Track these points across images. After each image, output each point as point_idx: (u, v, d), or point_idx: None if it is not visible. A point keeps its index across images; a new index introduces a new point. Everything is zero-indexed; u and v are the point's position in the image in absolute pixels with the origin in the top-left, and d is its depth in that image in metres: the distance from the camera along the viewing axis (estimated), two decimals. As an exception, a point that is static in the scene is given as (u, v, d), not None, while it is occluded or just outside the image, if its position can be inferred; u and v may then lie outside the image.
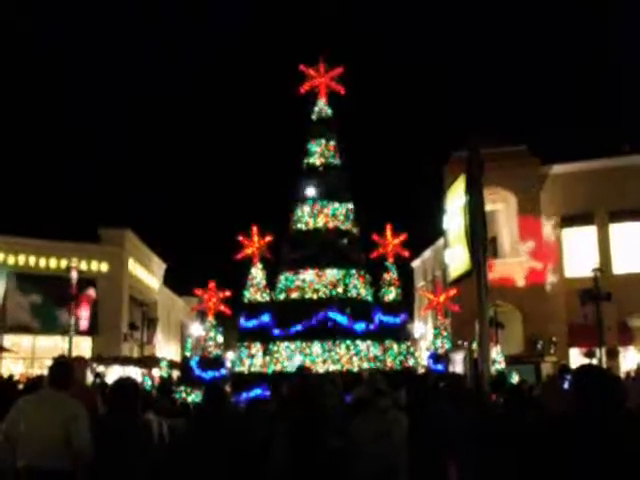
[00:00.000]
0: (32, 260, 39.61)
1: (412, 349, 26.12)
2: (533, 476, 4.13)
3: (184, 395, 20.75)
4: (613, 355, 29.59)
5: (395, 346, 24.76)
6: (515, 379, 22.42)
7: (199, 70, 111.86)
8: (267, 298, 25.47)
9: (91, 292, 38.17)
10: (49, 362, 7.06)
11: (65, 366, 6.84)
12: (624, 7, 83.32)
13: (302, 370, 7.79)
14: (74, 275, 26.57)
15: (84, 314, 38.00)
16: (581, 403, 4.04)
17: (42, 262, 39.67)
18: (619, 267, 35.87)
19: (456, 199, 9.57)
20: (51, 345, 36.36)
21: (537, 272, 35.96)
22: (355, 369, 22.60)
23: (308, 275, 25.00)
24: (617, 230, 36.72)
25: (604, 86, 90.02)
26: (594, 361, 27.16)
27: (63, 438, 6.09)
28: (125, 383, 6.89)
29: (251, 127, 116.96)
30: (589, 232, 36.96)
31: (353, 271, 25.32)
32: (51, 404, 6.35)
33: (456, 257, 9.73)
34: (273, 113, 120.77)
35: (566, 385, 9.13)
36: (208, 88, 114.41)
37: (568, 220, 37.15)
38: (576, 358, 32.55)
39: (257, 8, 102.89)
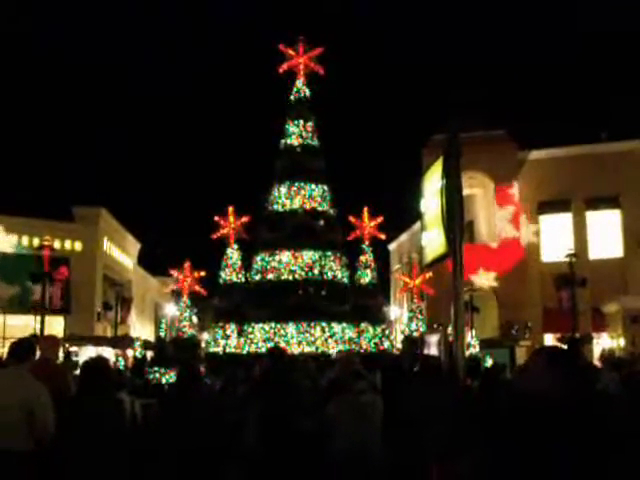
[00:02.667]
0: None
1: (387, 332, 26.18)
2: (507, 457, 4.06)
3: (158, 376, 20.61)
4: (587, 341, 29.75)
5: (370, 329, 24.81)
6: (489, 363, 22.46)
7: (176, 50, 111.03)
8: (243, 279, 25.39)
9: (64, 271, 37.72)
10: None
11: (23, 341, 6.70)
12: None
13: (275, 351, 7.68)
14: (47, 253, 26.20)
15: (57, 293, 37.58)
16: (550, 383, 3.99)
17: (14, 239, 39.20)
18: (594, 253, 36.10)
19: (434, 182, 9.45)
20: (22, 324, 35.93)
21: (513, 257, 36.06)
22: (330, 351, 22.61)
23: (284, 256, 24.95)
24: (593, 217, 36.93)
25: (585, 73, 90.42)
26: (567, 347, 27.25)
27: (22, 418, 5.92)
28: (97, 362, 6.77)
29: (229, 107, 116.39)
30: (566, 218, 37.14)
31: (329, 253, 25.31)
32: (11, 383, 6.17)
33: (432, 240, 9.62)
34: (251, 93, 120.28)
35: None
36: (186, 68, 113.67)
37: (545, 206, 37.28)
38: (550, 343, 32.75)
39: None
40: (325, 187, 26.32)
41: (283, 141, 26.82)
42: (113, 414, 6.40)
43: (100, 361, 6.87)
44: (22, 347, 6.50)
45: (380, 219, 27.03)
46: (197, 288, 25.92)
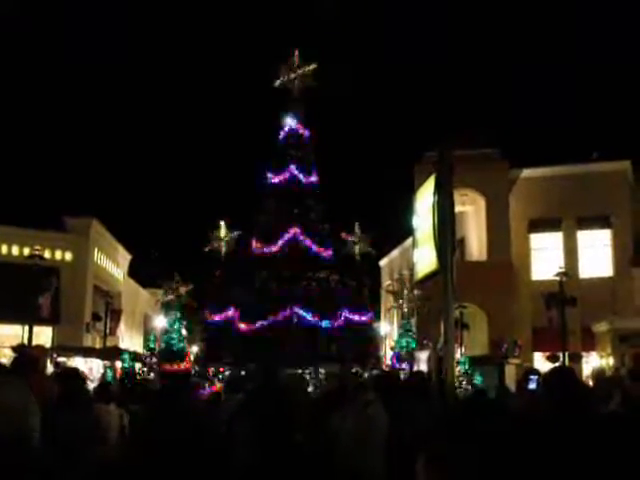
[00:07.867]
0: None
1: (377, 347, 26.13)
2: (499, 477, 4.07)
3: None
4: (576, 360, 29.80)
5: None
6: (478, 380, 22.46)
7: (169, 65, 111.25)
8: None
9: (54, 281, 37.55)
10: (7, 351, 6.99)
11: (28, 355, 6.75)
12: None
13: (268, 367, 7.68)
14: (37, 263, 26.09)
15: (46, 303, 37.37)
16: (551, 405, 3.99)
17: (4, 249, 38.98)
18: (585, 272, 36.18)
19: (426, 199, 9.49)
20: (10, 334, 35.64)
21: (504, 275, 36.00)
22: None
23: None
24: (584, 236, 37.06)
25: (577, 93, 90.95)
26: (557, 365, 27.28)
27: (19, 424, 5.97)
28: (72, 372, 6.80)
29: (223, 120, 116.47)
30: (556, 237, 37.25)
31: (321, 267, 25.26)
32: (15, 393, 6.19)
33: (424, 257, 9.63)
34: (245, 107, 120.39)
35: (531, 386, 9.16)
36: (179, 81, 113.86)
37: (536, 224, 37.39)
38: (540, 361, 32.78)
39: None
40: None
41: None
42: (91, 426, 6.43)
43: (75, 371, 6.94)
44: (25, 361, 6.58)
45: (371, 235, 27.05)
46: (187, 301, 25.86)
